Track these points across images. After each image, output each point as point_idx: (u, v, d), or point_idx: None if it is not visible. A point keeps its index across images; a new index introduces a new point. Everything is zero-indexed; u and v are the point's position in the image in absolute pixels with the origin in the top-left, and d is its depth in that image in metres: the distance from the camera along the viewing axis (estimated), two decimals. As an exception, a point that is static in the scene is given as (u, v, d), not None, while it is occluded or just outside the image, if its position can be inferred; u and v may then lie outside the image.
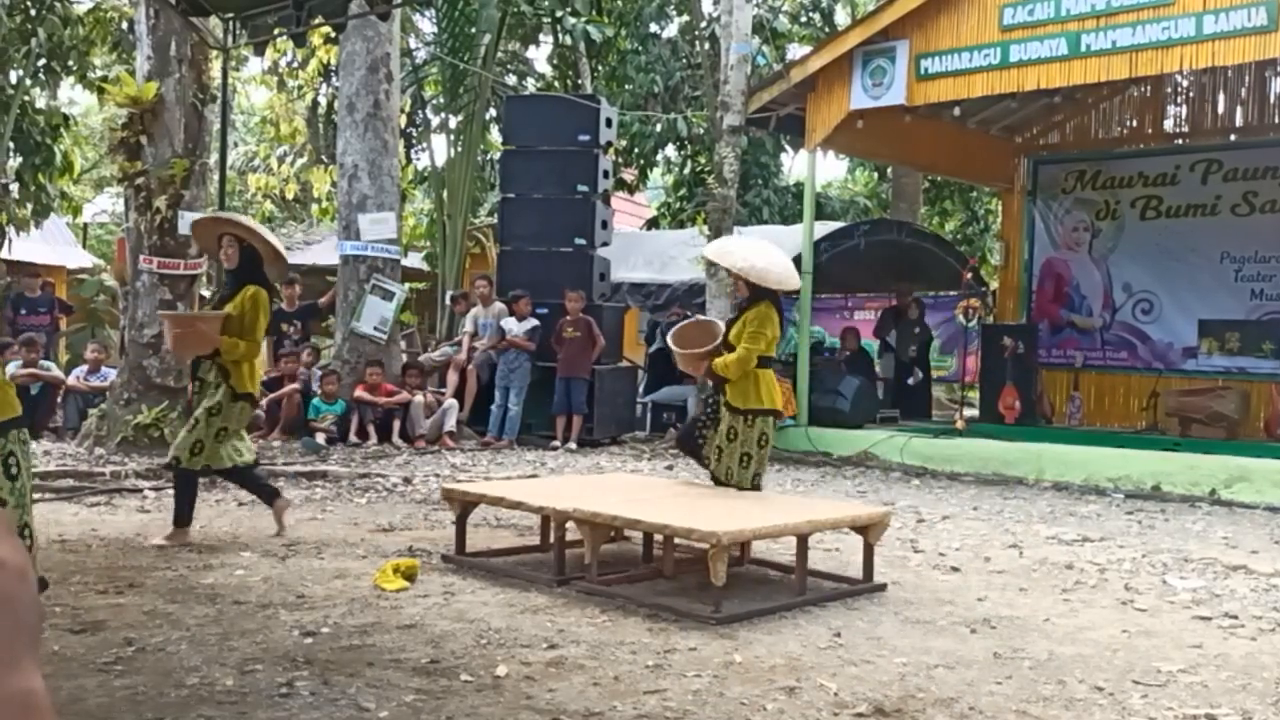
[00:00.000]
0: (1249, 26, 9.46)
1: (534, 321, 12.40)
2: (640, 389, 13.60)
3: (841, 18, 22.40)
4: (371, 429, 11.64)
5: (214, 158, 10.19)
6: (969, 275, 13.77)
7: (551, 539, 5.63)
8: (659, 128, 19.20)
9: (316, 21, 8.49)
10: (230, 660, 4.00)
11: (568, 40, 20.40)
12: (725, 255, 6.48)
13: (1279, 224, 12.74)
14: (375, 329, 12.45)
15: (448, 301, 14.95)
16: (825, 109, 12.08)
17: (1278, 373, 12.19)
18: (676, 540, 5.42)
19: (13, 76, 15.09)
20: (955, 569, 6.09)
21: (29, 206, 15.80)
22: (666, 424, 13.09)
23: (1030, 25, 10.56)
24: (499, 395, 12.26)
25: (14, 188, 15.33)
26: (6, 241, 14.94)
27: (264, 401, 11.53)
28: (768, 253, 6.26)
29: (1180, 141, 14.07)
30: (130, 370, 9.95)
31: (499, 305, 12.64)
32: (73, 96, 23.99)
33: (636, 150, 19.42)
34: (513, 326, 12.39)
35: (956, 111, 12.62)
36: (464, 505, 5.91)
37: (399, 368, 12.51)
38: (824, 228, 14.42)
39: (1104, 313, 13.99)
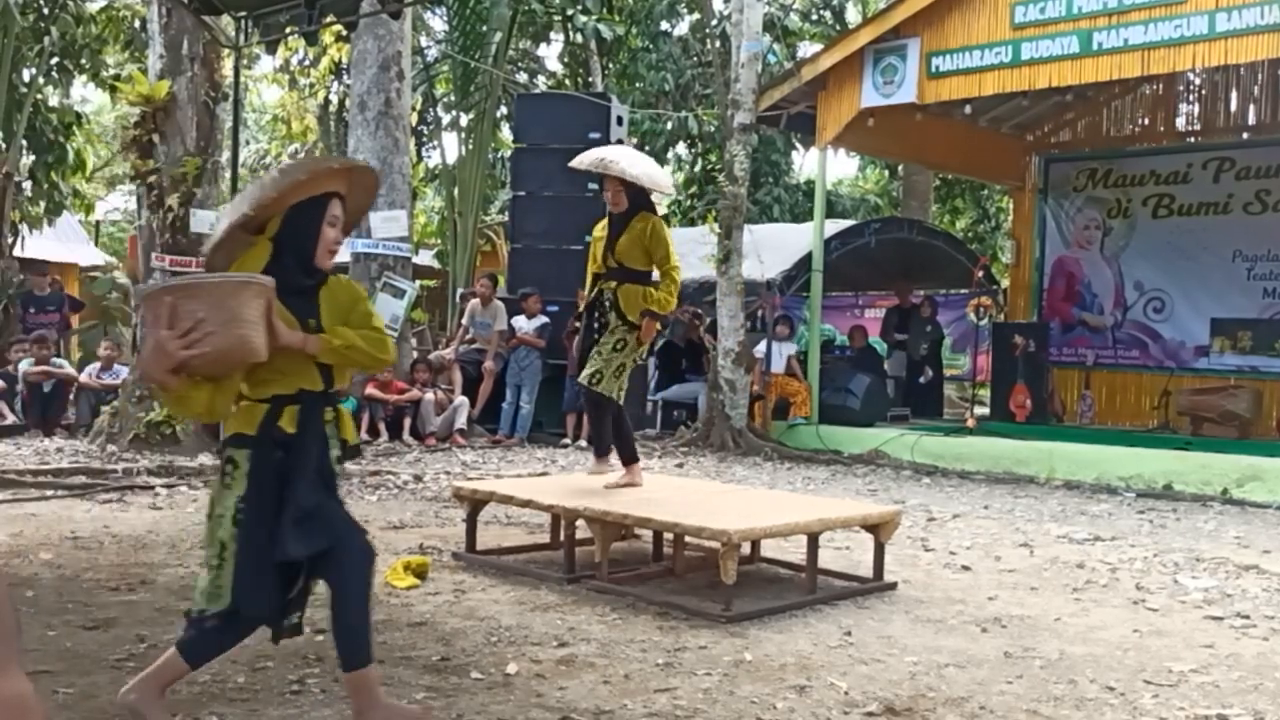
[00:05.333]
0: (1261, 24, 9.44)
1: (544, 319, 12.41)
2: (650, 387, 13.60)
3: (852, 16, 22.40)
4: (382, 426, 11.66)
5: (226, 155, 10.22)
6: (980, 273, 13.75)
7: (562, 537, 5.64)
8: (670, 125, 19.22)
9: (328, 20, 8.51)
10: (241, 657, 4.01)
11: (578, 38, 20.42)
12: (605, 163, 5.83)
13: (1291, 223, 12.71)
14: (386, 327, 12.45)
15: (458, 299, 14.97)
16: (836, 107, 12.08)
17: (1290, 372, 12.17)
18: (687, 538, 5.42)
19: (26, 75, 15.15)
20: (966, 568, 6.09)
21: (42, 204, 15.87)
22: (677, 421, 13.10)
23: (1042, 23, 10.54)
24: (510, 393, 12.28)
25: (27, 185, 15.39)
26: (19, 239, 14.99)
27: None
28: (642, 158, 6.07)
29: (1192, 140, 14.03)
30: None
31: (498, 304, 12.63)
32: (85, 95, 24.07)
33: (647, 148, 19.42)
34: (523, 324, 12.41)
35: (968, 109, 12.62)
36: (474, 503, 5.92)
37: (409, 365, 12.53)
38: (835, 226, 14.41)
39: (1115, 311, 13.95)
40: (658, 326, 6.12)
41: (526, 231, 13.16)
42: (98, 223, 24.90)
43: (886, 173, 25.87)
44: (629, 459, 6.07)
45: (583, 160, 6.04)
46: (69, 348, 14.80)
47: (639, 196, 5.85)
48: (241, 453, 3.16)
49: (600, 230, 6.03)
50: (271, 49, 18.27)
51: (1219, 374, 12.62)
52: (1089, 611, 5.13)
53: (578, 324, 6.32)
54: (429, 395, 11.92)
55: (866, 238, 14.44)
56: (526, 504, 5.81)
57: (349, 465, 9.84)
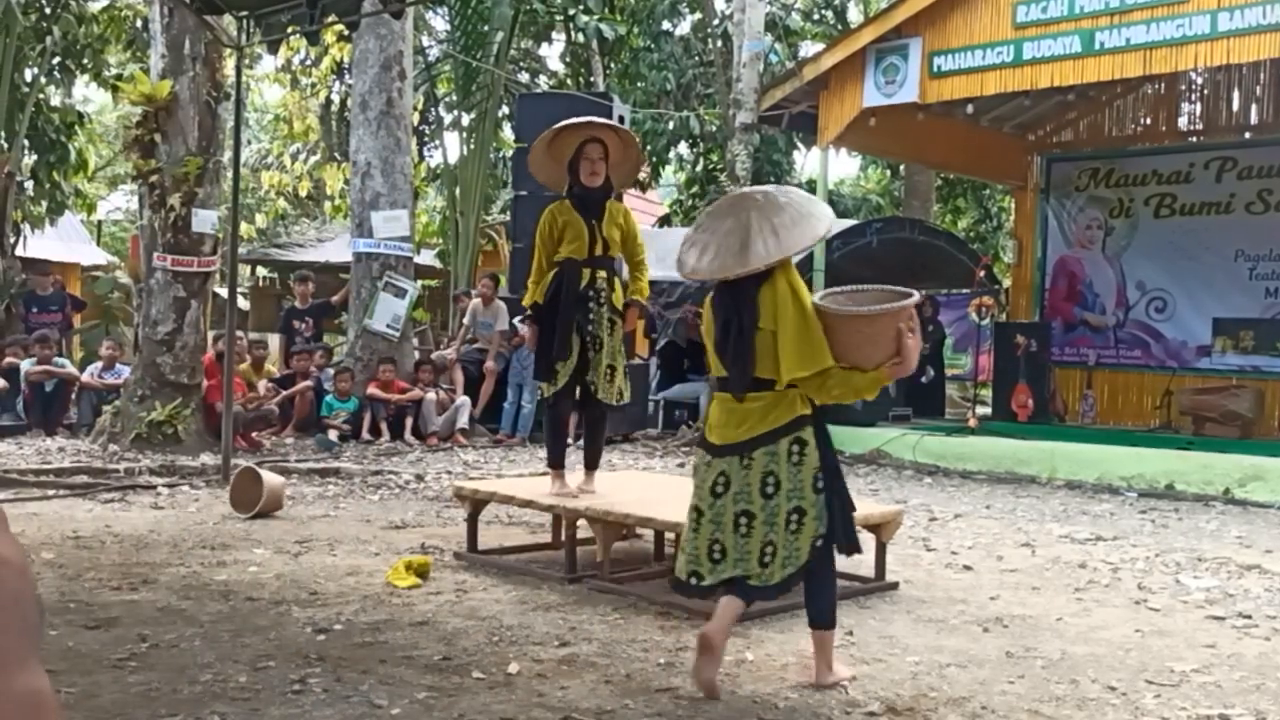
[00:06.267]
0: (1264, 24, 9.43)
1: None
2: (652, 386, 13.60)
3: (854, 15, 22.38)
4: (384, 426, 11.66)
5: (227, 155, 10.21)
6: (982, 273, 13.74)
7: (563, 537, 5.64)
8: (671, 125, 19.19)
9: (330, 19, 8.52)
10: (243, 657, 4.01)
11: (580, 38, 20.42)
12: None
13: (1294, 222, 12.70)
14: (388, 326, 12.48)
15: (454, 301, 14.97)
16: (838, 106, 12.06)
17: (1292, 371, 12.15)
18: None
19: (28, 74, 15.15)
20: (968, 568, 6.08)
21: (44, 204, 15.87)
22: (678, 421, 13.09)
23: (1044, 23, 10.53)
24: (512, 392, 12.28)
25: (29, 185, 15.40)
26: (21, 239, 15.01)
27: (276, 399, 11.58)
28: None
29: (1194, 139, 14.01)
30: (144, 367, 9.99)
31: (499, 304, 12.63)
32: (87, 94, 24.05)
33: (649, 148, 19.39)
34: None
35: (969, 109, 12.59)
36: (476, 503, 5.92)
37: (411, 365, 12.53)
38: (836, 225, 14.37)
39: (1117, 311, 13.94)
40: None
41: (528, 231, 13.04)
42: (100, 222, 24.91)
43: (888, 172, 25.84)
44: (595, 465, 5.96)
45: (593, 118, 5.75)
46: (71, 347, 14.80)
47: (608, 181, 5.57)
48: (808, 430, 3.76)
49: (566, 213, 5.53)
50: (273, 49, 18.27)
51: (1221, 374, 12.61)
52: (1091, 611, 5.13)
53: (534, 325, 5.65)
54: (431, 395, 11.92)
55: (868, 237, 14.43)
56: (528, 504, 5.82)
57: (350, 465, 9.83)
